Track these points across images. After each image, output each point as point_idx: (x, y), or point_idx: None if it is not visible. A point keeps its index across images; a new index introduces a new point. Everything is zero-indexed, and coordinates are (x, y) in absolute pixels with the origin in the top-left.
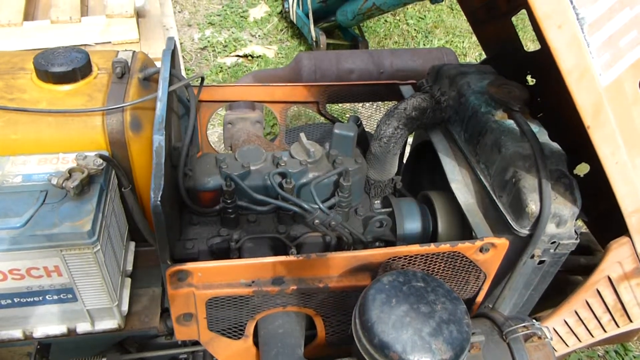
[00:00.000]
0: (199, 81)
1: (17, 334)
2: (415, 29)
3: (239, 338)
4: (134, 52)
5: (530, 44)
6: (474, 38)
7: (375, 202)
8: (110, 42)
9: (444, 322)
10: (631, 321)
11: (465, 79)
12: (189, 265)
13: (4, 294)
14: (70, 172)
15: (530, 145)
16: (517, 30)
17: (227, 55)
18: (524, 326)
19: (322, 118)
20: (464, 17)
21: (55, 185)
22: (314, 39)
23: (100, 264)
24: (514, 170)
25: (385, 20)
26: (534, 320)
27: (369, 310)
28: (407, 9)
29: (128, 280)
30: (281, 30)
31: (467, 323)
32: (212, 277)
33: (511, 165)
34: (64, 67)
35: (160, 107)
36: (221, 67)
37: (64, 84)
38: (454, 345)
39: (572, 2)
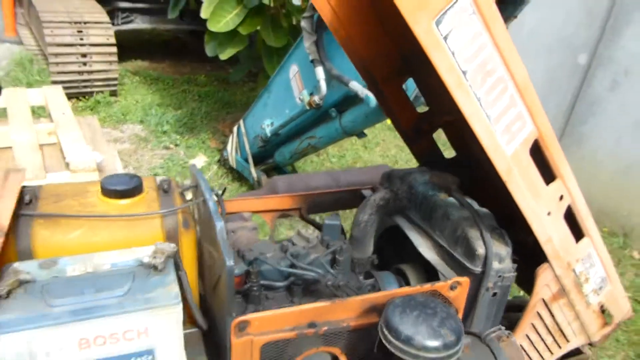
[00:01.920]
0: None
1: None
2: (338, 166)
3: None
4: (169, 177)
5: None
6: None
7: (360, 277)
8: None
9: (444, 319)
10: (568, 341)
11: (412, 176)
12: (249, 316)
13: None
14: (154, 253)
15: (468, 212)
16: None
17: None
18: (494, 331)
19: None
20: (376, 152)
21: (146, 264)
22: (256, 180)
23: (180, 324)
24: (461, 229)
25: (312, 161)
26: (500, 326)
27: (393, 318)
28: (329, 149)
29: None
30: (221, 175)
31: (459, 319)
32: (264, 326)
33: (459, 226)
34: (126, 186)
35: (212, 204)
36: None
37: (126, 199)
38: (455, 332)
39: (482, 106)
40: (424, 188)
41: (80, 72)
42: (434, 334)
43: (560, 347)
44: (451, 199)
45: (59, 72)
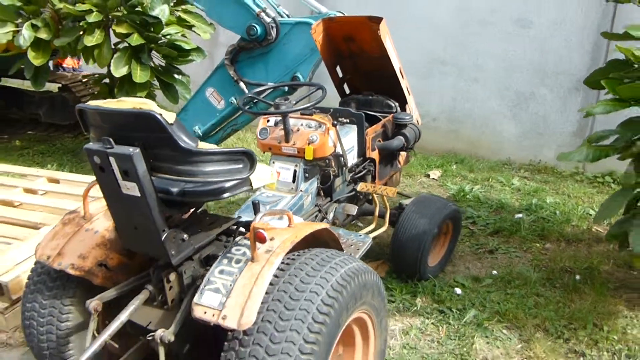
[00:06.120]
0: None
1: None
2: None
3: None
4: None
5: None
6: None
7: None
8: None
9: (407, 114)
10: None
11: (354, 97)
12: None
13: None
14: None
15: (381, 97)
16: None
17: None
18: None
19: None
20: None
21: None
22: None
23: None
24: (385, 102)
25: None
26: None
27: (397, 116)
28: None
29: None
30: None
31: (409, 113)
32: None
33: (383, 102)
34: (311, 112)
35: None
36: None
37: (311, 116)
38: (411, 115)
39: (396, 61)
40: (363, 97)
41: None
42: (407, 115)
43: None
44: (376, 97)
45: None
